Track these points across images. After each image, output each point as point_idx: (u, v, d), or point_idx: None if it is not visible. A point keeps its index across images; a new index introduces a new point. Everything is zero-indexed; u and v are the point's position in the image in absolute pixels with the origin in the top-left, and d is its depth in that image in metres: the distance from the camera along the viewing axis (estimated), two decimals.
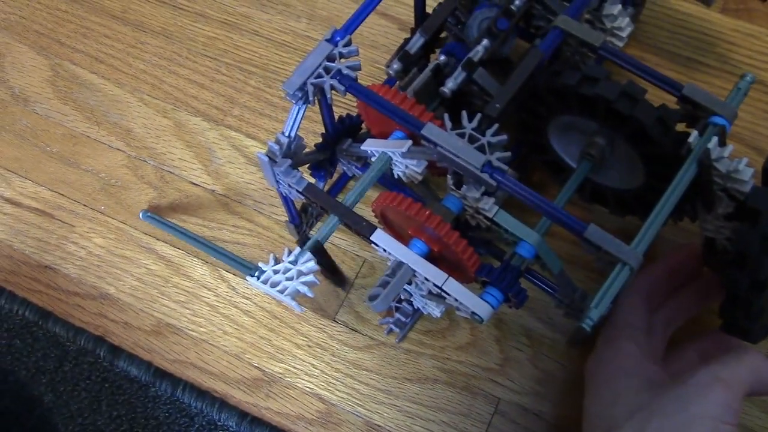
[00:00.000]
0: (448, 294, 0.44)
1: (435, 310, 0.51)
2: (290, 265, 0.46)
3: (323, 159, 0.55)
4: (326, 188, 0.59)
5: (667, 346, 0.50)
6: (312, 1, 0.69)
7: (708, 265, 0.50)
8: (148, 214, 0.60)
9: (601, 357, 0.48)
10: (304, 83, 0.45)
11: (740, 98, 0.45)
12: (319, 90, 0.46)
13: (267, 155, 0.47)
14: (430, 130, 0.43)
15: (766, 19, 0.65)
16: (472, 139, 0.43)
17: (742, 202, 0.43)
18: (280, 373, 0.56)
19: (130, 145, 0.65)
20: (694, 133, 0.44)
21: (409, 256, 0.44)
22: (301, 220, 0.57)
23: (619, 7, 0.52)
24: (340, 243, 0.60)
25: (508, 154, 0.43)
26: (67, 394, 0.56)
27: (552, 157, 0.53)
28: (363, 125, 0.56)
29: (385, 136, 0.50)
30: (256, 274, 0.46)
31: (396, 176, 0.49)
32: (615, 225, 0.57)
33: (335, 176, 0.59)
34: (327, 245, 0.59)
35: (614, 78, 0.45)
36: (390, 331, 0.56)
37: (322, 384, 0.56)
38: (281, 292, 0.45)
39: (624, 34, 0.52)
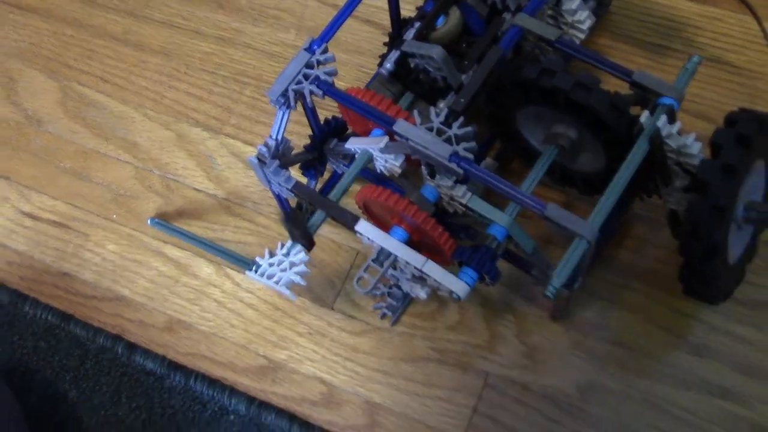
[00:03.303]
0: (428, 275, 0.48)
1: (421, 292, 0.55)
2: (283, 258, 0.50)
3: (313, 159, 0.59)
4: (319, 186, 0.63)
5: None
6: (300, 13, 0.73)
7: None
8: (156, 220, 0.65)
9: None
10: (286, 90, 0.49)
11: (687, 78, 0.48)
12: (301, 95, 0.50)
13: (257, 158, 0.51)
14: (401, 125, 0.47)
15: (730, 3, 0.68)
16: (440, 132, 0.47)
17: (694, 175, 0.47)
18: (284, 360, 0.61)
19: (136, 157, 0.70)
20: (645, 113, 0.47)
21: (391, 243, 0.48)
22: None
23: (578, 1, 0.55)
24: (335, 237, 0.64)
25: (473, 144, 0.47)
26: (90, 390, 0.61)
27: (524, 145, 0.57)
28: (348, 126, 0.60)
29: (366, 134, 0.54)
30: (254, 268, 0.50)
31: (378, 171, 0.53)
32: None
33: (327, 175, 0.63)
34: (322, 239, 0.63)
35: (572, 69, 0.49)
36: (383, 315, 0.60)
37: (324, 368, 0.60)
38: (276, 282, 0.49)
39: (584, 27, 0.56)
